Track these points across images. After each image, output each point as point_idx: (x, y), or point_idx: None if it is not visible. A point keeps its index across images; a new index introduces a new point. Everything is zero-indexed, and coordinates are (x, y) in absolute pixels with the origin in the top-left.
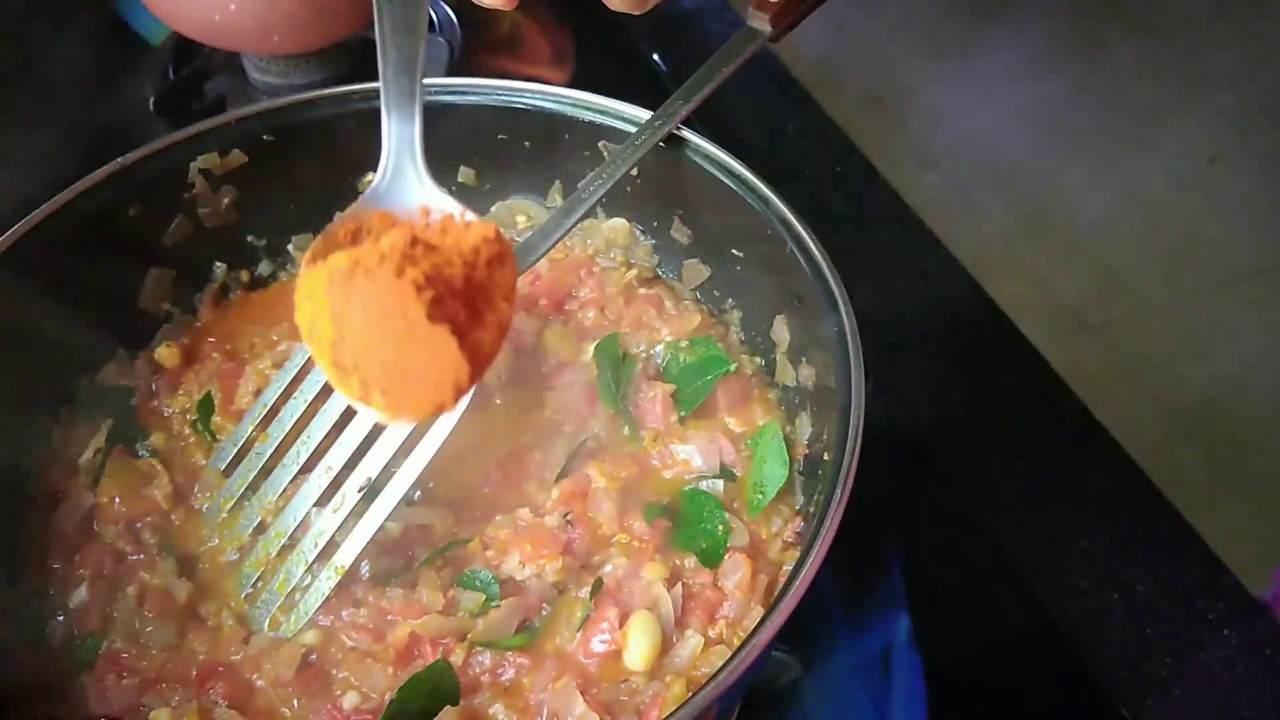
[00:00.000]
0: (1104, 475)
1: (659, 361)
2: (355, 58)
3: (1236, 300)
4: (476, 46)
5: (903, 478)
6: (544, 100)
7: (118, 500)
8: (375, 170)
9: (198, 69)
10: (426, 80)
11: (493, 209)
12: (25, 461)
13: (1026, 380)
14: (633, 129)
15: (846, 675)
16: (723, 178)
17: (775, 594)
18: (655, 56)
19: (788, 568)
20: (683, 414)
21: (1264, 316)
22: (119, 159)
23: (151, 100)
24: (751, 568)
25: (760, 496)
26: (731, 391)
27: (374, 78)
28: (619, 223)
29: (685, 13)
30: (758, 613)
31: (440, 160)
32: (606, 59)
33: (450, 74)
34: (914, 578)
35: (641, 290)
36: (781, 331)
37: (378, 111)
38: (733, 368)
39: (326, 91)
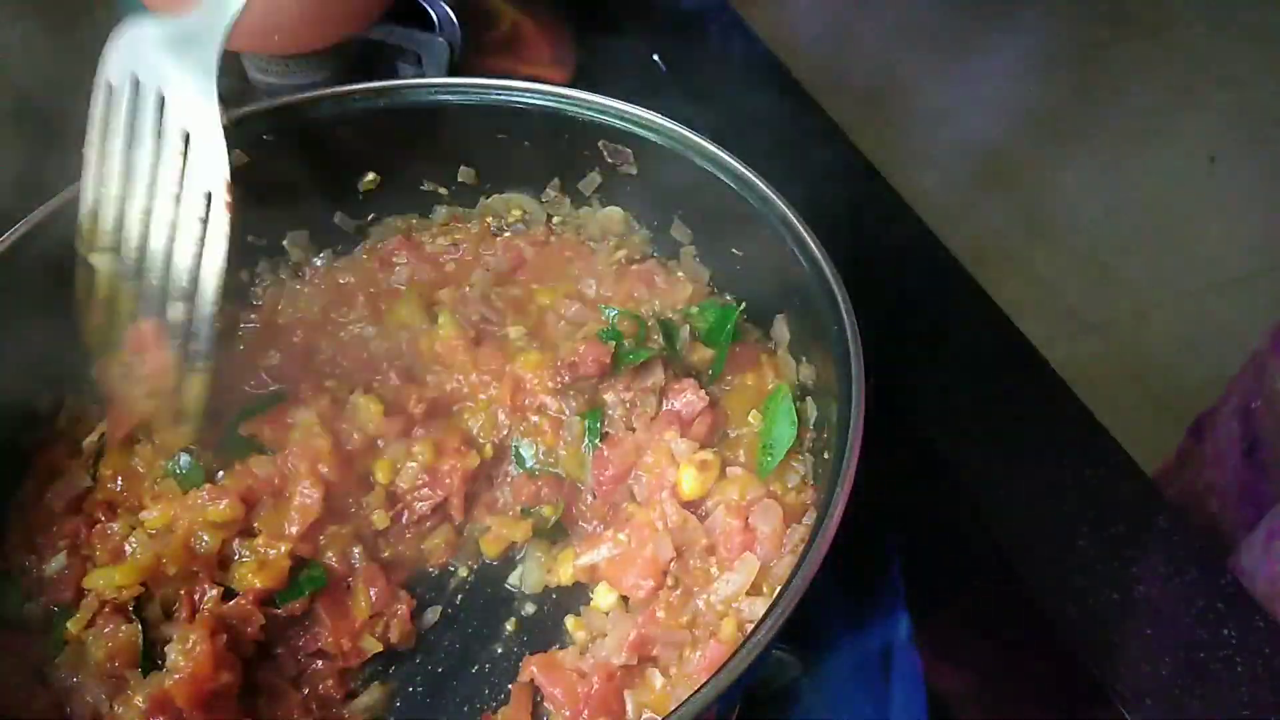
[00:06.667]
0: (1104, 475)
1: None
2: (355, 58)
3: (1236, 300)
4: (476, 46)
5: (903, 477)
6: (544, 100)
7: (116, 485)
8: (375, 170)
9: None
10: (427, 80)
11: (487, 200)
12: (26, 439)
13: (1026, 380)
14: (633, 129)
15: (846, 675)
16: (723, 177)
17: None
18: (655, 57)
19: (808, 520)
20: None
21: (1264, 316)
22: None
23: None
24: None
25: (769, 458)
26: (742, 356)
27: (374, 78)
28: (614, 211)
29: (685, 13)
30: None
31: (441, 160)
32: (607, 59)
33: (450, 74)
34: (914, 578)
35: (633, 267)
36: (781, 331)
37: (377, 111)
38: (743, 306)
39: (326, 91)
